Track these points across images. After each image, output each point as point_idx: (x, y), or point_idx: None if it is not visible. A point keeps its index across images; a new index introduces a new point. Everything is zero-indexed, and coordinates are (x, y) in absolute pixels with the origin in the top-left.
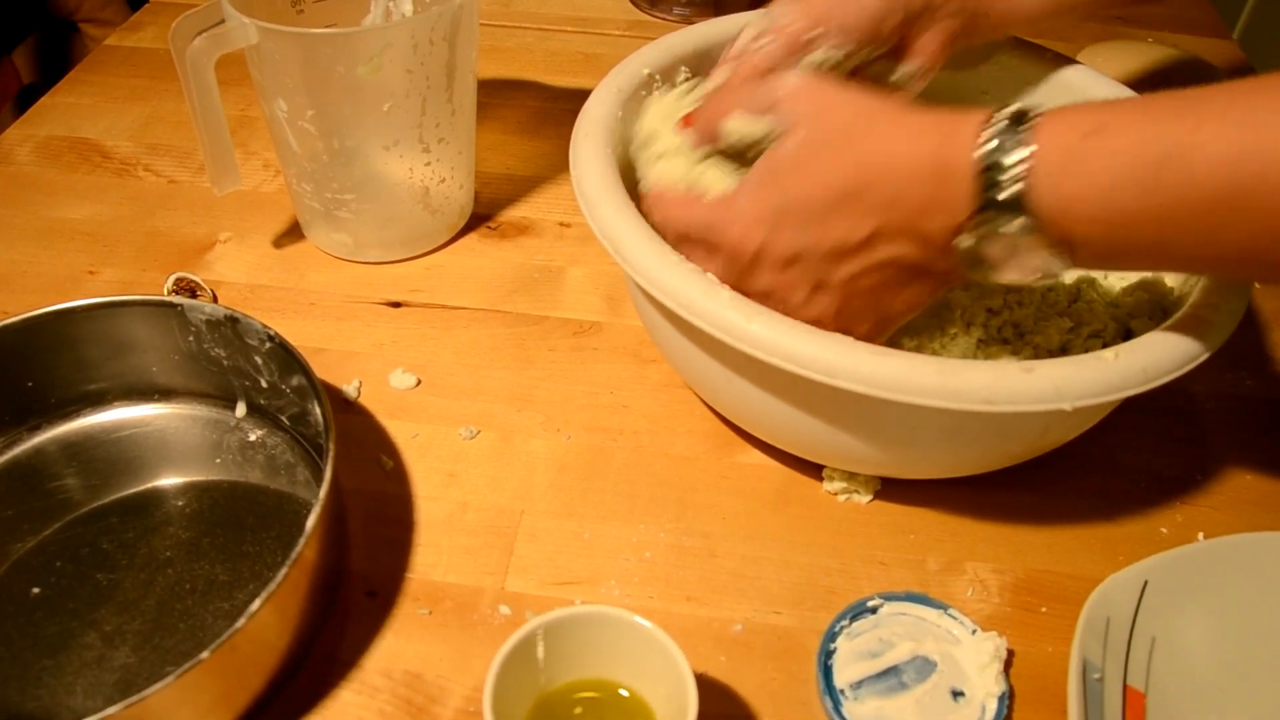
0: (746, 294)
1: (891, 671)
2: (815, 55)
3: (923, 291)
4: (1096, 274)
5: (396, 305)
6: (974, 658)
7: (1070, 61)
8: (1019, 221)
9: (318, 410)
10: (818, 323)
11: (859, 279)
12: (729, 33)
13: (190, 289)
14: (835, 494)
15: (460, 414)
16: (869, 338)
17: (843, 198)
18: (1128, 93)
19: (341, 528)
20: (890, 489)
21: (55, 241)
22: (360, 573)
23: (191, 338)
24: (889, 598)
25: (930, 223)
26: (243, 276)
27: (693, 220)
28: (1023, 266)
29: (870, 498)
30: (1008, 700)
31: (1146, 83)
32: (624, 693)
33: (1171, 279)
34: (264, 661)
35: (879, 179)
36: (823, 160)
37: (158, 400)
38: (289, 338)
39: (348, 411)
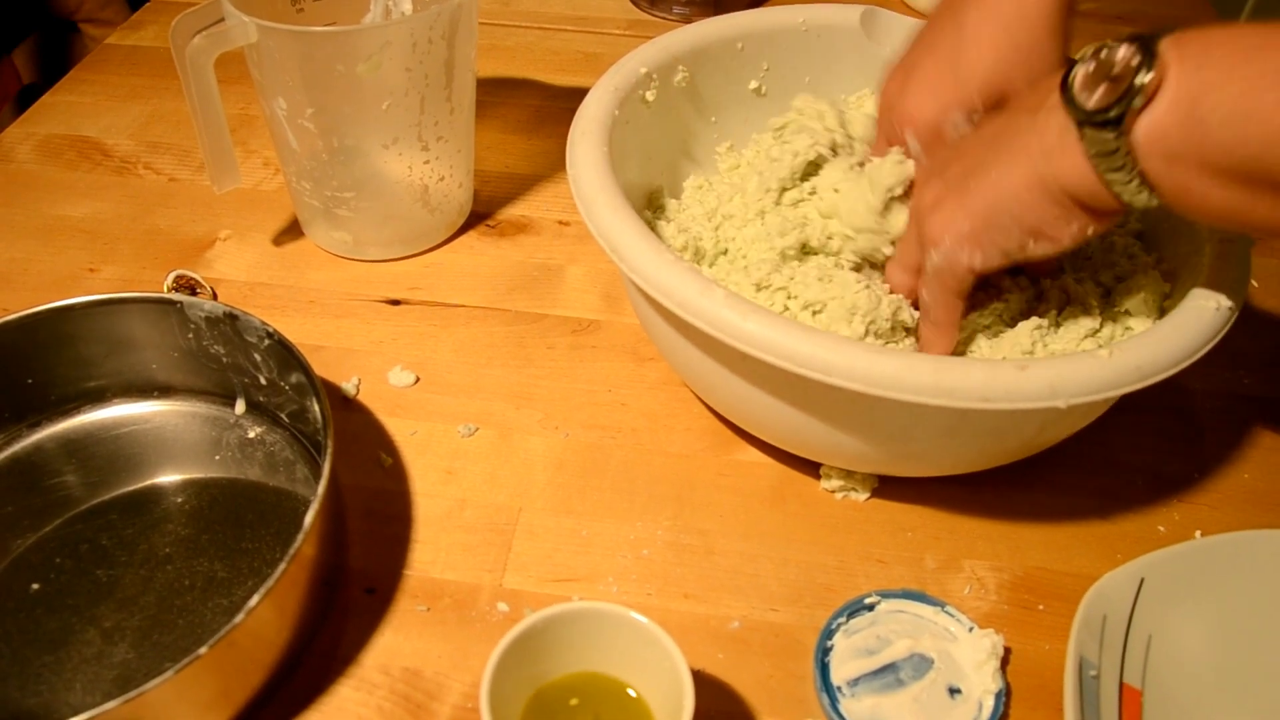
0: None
1: (889, 669)
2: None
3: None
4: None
5: (395, 303)
6: (971, 655)
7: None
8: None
9: (316, 407)
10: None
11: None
12: (728, 32)
13: (190, 286)
14: (832, 492)
15: (459, 411)
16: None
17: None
18: None
19: (340, 525)
20: (887, 487)
21: (55, 239)
22: (359, 569)
23: (191, 335)
24: (886, 595)
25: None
26: (242, 274)
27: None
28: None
29: (867, 495)
30: (1005, 697)
31: None
32: (623, 690)
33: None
34: (263, 658)
35: None
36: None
37: (157, 397)
38: (288, 335)
39: (346, 409)
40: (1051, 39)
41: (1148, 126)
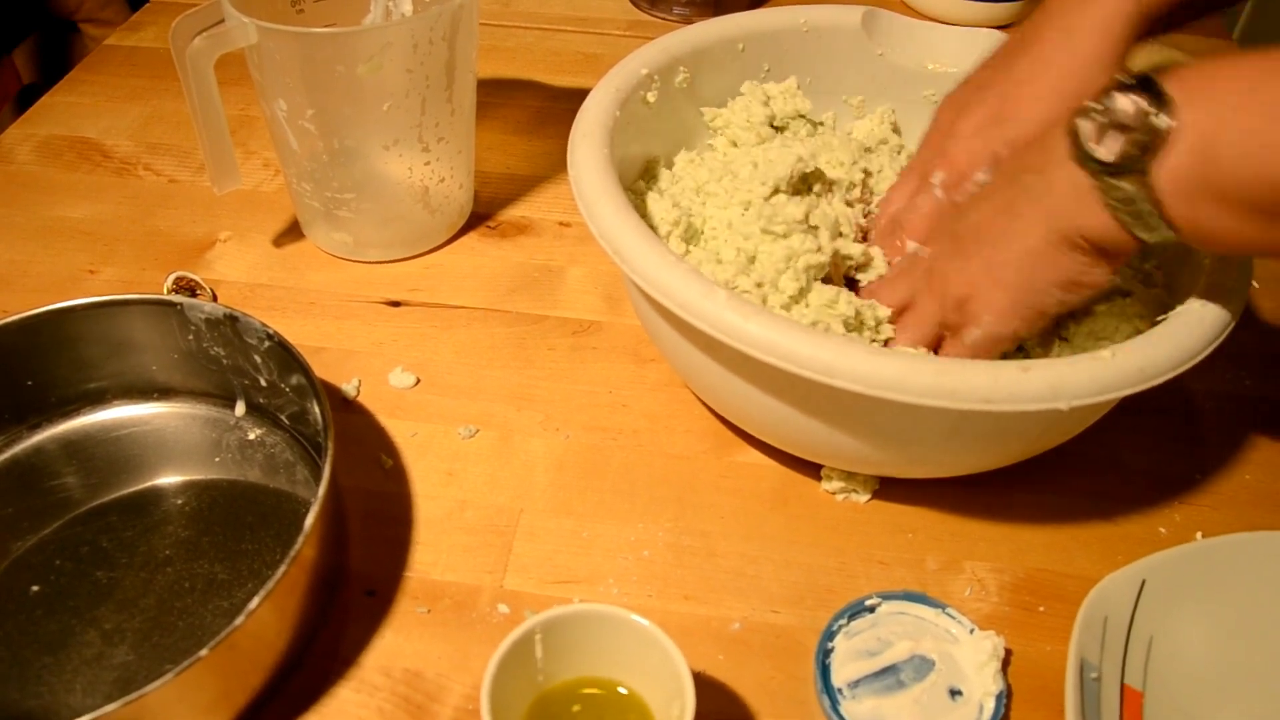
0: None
1: (889, 670)
2: None
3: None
4: None
5: (396, 304)
6: (972, 657)
7: None
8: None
9: (317, 409)
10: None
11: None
12: (728, 33)
13: (190, 288)
14: (834, 493)
15: (459, 413)
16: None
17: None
18: None
19: (340, 526)
20: (889, 488)
21: (55, 240)
22: (359, 571)
23: (191, 337)
24: (887, 597)
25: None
26: (242, 275)
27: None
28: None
29: (869, 497)
30: (1005, 699)
31: None
32: (622, 691)
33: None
34: (263, 659)
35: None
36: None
37: (157, 399)
38: (288, 337)
39: (347, 410)
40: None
41: (1167, 171)
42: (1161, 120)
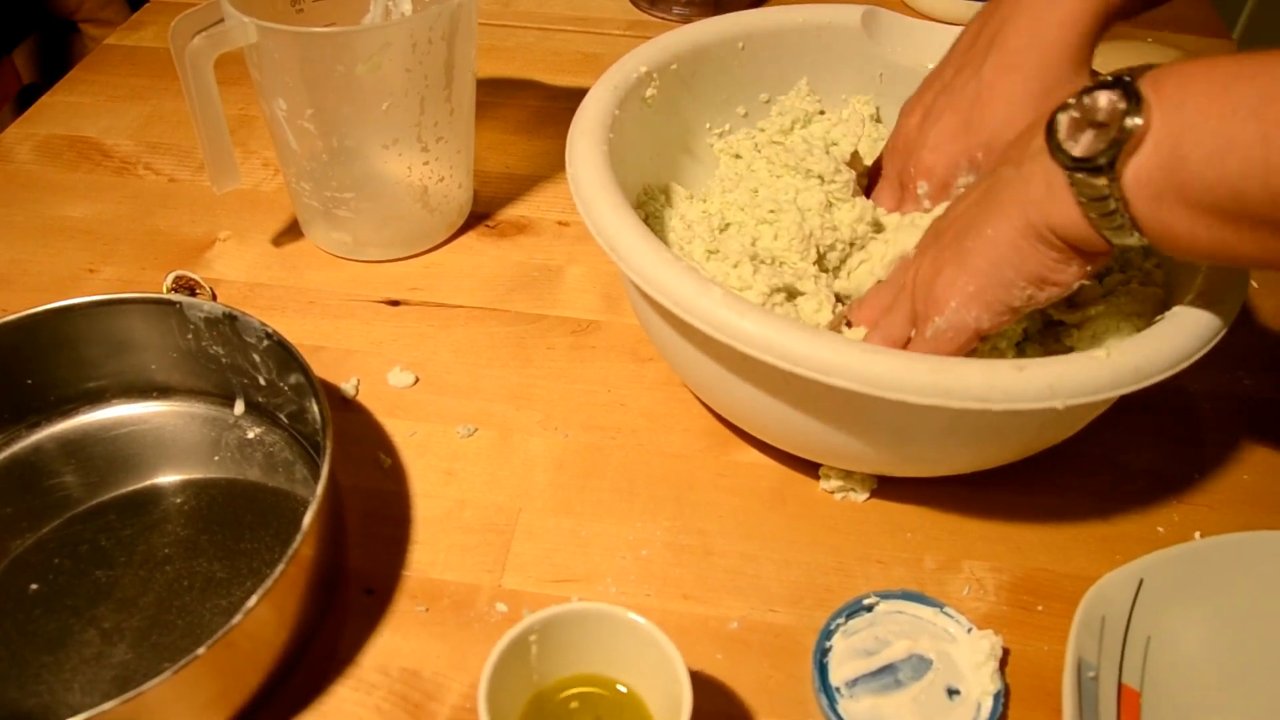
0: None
1: (887, 669)
2: None
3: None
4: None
5: (395, 304)
6: (970, 656)
7: None
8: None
9: (316, 408)
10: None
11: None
12: (727, 32)
13: (189, 287)
14: (832, 492)
15: (458, 412)
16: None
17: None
18: None
19: (339, 525)
20: (887, 487)
21: (55, 240)
22: (358, 570)
23: (190, 336)
24: (885, 596)
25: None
26: (242, 275)
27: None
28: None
29: (867, 496)
30: (1003, 698)
31: None
32: (620, 689)
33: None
34: (261, 658)
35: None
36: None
37: (156, 398)
38: (287, 336)
39: (346, 409)
40: (1069, 86)
41: (1134, 170)
42: (1134, 119)
